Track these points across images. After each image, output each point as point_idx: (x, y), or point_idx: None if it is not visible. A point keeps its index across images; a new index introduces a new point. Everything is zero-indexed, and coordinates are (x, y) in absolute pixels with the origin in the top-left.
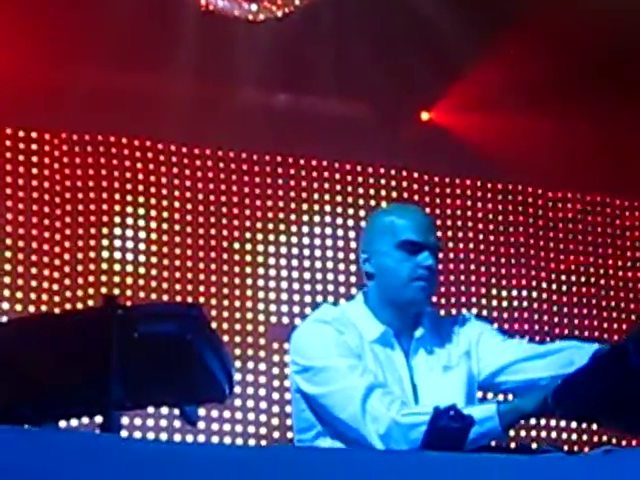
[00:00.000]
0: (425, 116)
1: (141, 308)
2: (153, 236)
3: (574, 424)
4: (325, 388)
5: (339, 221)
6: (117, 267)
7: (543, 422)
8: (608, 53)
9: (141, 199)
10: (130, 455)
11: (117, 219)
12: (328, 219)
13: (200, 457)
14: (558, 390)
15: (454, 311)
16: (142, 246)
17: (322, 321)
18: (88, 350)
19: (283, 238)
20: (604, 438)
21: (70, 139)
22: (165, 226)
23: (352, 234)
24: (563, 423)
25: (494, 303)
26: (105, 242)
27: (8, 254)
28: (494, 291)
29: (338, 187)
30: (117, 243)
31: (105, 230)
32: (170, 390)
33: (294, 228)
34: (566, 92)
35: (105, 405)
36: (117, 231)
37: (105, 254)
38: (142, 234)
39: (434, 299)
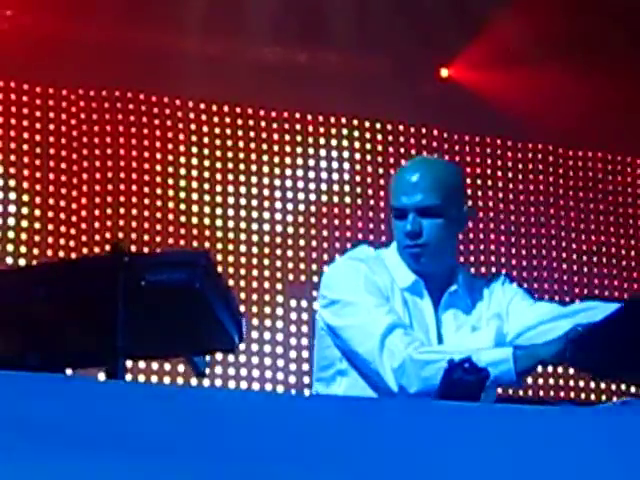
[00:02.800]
0: (445, 72)
1: (148, 256)
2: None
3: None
4: (348, 320)
5: (357, 178)
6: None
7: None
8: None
9: (159, 155)
10: (135, 400)
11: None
12: (347, 177)
13: (205, 401)
14: (577, 341)
15: (483, 270)
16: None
17: (356, 258)
18: (94, 298)
19: (301, 195)
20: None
21: (83, 93)
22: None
23: (370, 191)
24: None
25: (517, 263)
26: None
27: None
28: (515, 253)
29: (357, 144)
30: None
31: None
32: (178, 340)
33: (312, 185)
34: (592, 46)
35: (112, 355)
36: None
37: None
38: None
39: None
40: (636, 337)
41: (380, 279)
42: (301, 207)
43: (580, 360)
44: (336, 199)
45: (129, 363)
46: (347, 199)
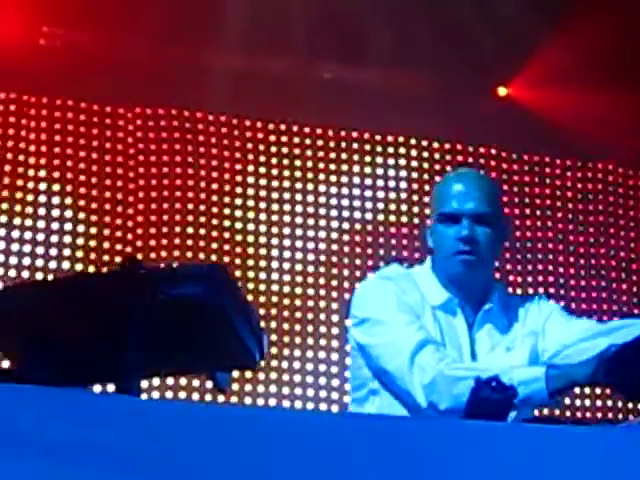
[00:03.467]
0: (503, 91)
1: (164, 269)
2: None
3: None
4: (379, 338)
5: (415, 198)
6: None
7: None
8: None
9: (178, 169)
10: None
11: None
12: (404, 195)
13: (210, 418)
14: (610, 361)
15: (530, 290)
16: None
17: (385, 277)
18: (109, 313)
19: (335, 212)
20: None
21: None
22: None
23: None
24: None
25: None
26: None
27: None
28: (575, 273)
29: (414, 163)
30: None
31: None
32: (196, 357)
33: (357, 202)
34: None
35: (126, 371)
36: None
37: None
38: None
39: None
40: None
41: (410, 297)
42: (337, 224)
43: (614, 381)
44: (391, 217)
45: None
46: (403, 218)
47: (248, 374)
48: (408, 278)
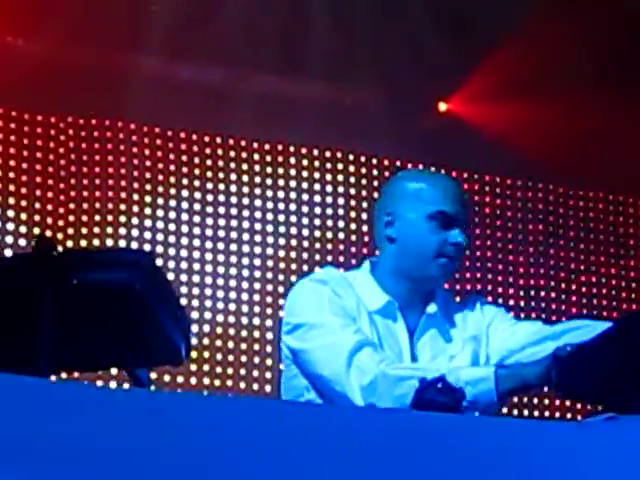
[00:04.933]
0: (443, 107)
1: (80, 252)
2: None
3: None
4: (313, 343)
5: (352, 214)
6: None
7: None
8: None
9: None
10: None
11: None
12: (341, 212)
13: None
14: (564, 361)
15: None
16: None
17: (318, 280)
18: (17, 299)
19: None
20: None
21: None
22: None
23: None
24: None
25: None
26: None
27: None
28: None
29: (352, 179)
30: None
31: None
32: (116, 350)
33: (293, 218)
34: (596, 78)
35: (35, 364)
36: None
37: None
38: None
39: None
40: (627, 360)
41: (346, 301)
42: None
43: (566, 383)
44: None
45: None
46: (340, 234)
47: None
48: (343, 281)
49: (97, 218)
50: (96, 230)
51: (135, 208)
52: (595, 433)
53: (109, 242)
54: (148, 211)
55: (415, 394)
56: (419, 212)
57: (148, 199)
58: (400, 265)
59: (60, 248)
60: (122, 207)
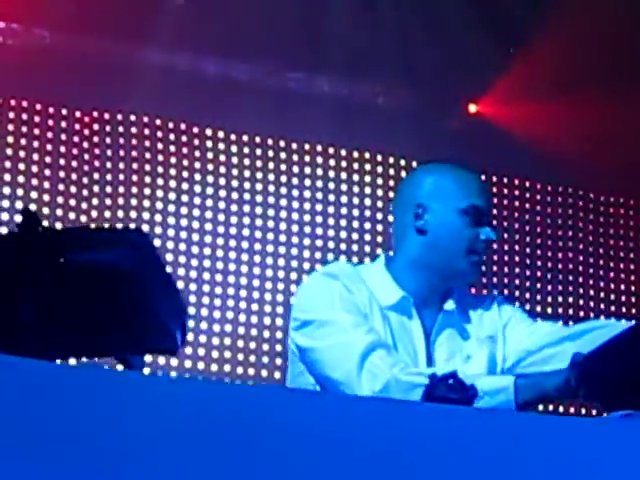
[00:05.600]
0: (473, 108)
1: (69, 230)
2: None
3: None
4: (323, 342)
5: (379, 216)
6: None
7: None
8: None
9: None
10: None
11: None
12: (368, 213)
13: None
14: (582, 367)
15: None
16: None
17: (329, 275)
18: (2, 279)
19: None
20: None
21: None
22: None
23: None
24: None
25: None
26: None
27: None
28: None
29: (380, 180)
30: None
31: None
32: (106, 336)
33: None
34: (630, 79)
35: (17, 352)
36: None
37: None
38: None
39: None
40: None
41: (357, 296)
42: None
43: (588, 388)
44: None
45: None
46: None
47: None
48: (355, 275)
49: (94, 213)
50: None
51: (134, 201)
52: (611, 429)
53: None
54: (147, 204)
55: (425, 390)
56: (452, 206)
57: (147, 191)
58: (428, 258)
59: (46, 223)
60: (120, 201)
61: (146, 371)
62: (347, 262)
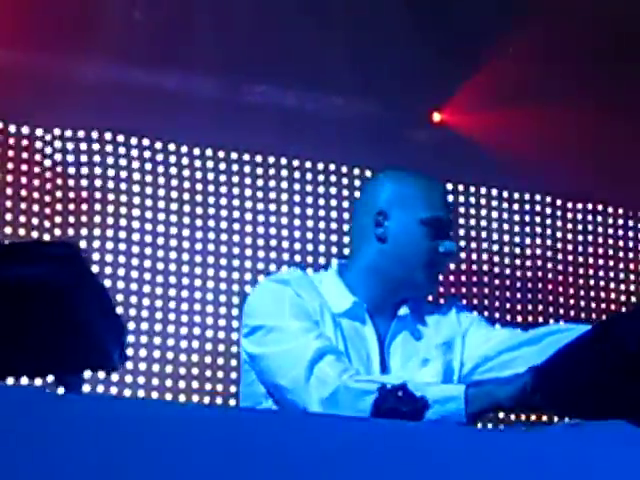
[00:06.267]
0: (437, 117)
1: None
2: None
3: None
4: (272, 348)
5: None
6: None
7: None
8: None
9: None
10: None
11: None
12: (334, 226)
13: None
14: (538, 373)
15: None
16: None
17: (280, 280)
18: None
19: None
20: None
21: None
22: None
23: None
24: None
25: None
26: None
27: None
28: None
29: (345, 192)
30: None
31: None
32: (37, 355)
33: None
34: (594, 85)
35: None
36: None
37: None
38: None
39: None
40: (606, 365)
41: (308, 303)
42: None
43: (546, 398)
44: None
45: None
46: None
47: None
48: (306, 282)
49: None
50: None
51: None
52: (554, 440)
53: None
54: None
55: (374, 402)
56: (413, 215)
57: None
58: (385, 267)
59: None
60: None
61: (85, 388)
62: (297, 269)
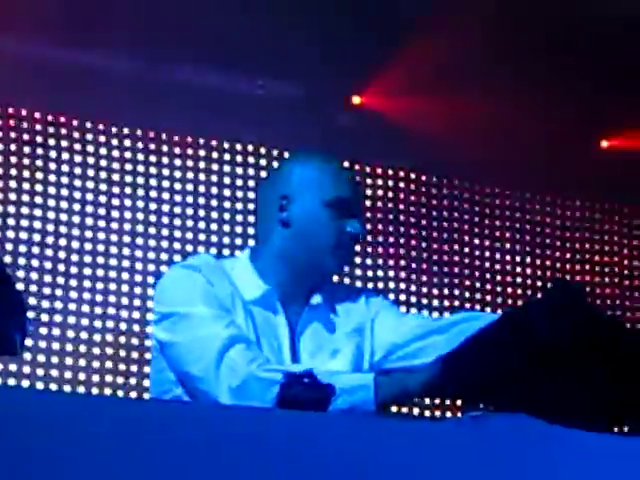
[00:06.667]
0: (357, 100)
1: None
2: None
3: None
4: (181, 336)
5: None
6: None
7: None
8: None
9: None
10: None
11: None
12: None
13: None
14: (448, 362)
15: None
16: None
17: (190, 267)
18: None
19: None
20: None
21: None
22: None
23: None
24: None
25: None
26: None
27: None
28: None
29: (264, 174)
30: None
31: None
32: None
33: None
34: (515, 73)
35: None
36: None
37: None
38: None
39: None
40: (514, 354)
41: (219, 289)
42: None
43: (455, 387)
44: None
45: None
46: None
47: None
48: (217, 269)
49: None
50: None
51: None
52: (463, 432)
53: None
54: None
55: (280, 390)
56: (317, 197)
57: None
58: (292, 251)
59: None
60: None
61: None
62: (209, 254)
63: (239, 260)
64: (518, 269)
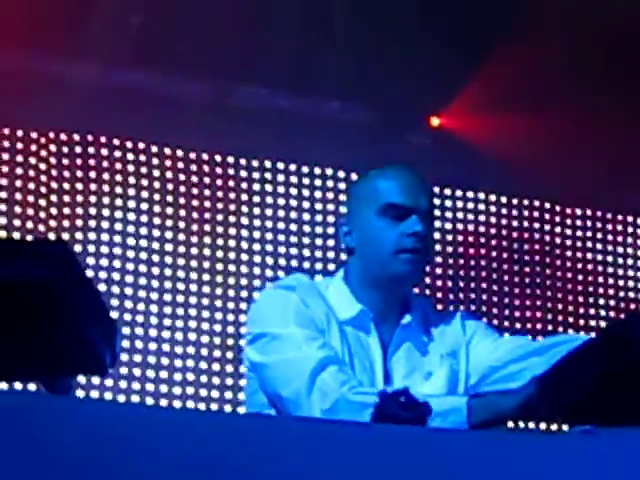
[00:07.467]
0: (435, 122)
1: None
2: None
3: None
4: (274, 357)
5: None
6: None
7: None
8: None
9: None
10: None
11: None
12: (331, 230)
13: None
14: (543, 383)
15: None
16: None
17: (285, 287)
18: None
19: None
20: None
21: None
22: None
23: None
24: None
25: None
26: None
27: None
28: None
29: (342, 197)
30: None
31: None
32: (25, 358)
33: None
34: (596, 92)
35: None
36: None
37: None
38: None
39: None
40: (615, 372)
41: (314, 311)
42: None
43: (552, 407)
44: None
45: None
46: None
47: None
48: (312, 289)
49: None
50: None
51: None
52: (567, 447)
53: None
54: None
55: (375, 409)
56: (371, 211)
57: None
58: (365, 273)
59: None
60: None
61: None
62: (303, 275)
63: (333, 280)
64: (611, 291)
